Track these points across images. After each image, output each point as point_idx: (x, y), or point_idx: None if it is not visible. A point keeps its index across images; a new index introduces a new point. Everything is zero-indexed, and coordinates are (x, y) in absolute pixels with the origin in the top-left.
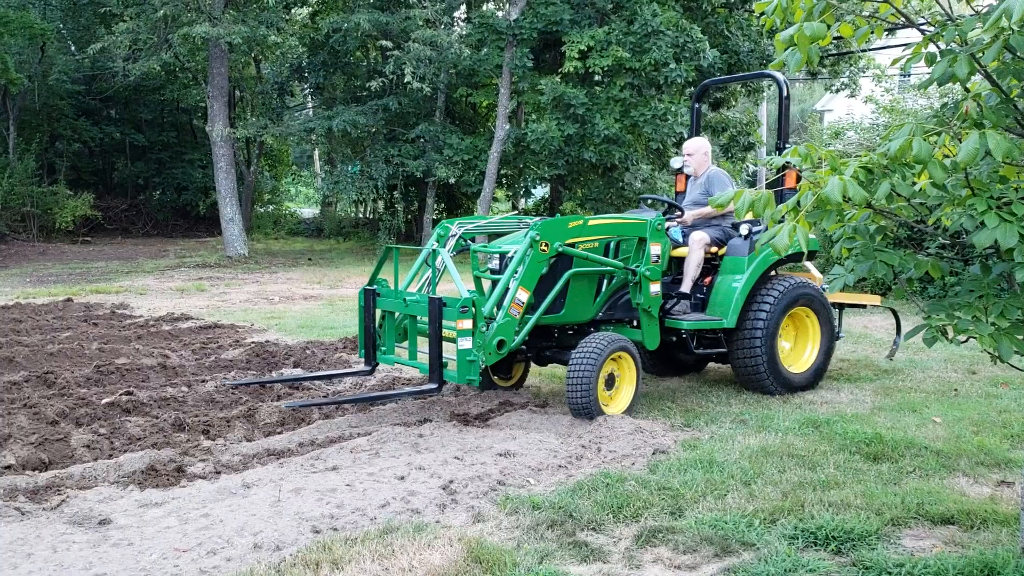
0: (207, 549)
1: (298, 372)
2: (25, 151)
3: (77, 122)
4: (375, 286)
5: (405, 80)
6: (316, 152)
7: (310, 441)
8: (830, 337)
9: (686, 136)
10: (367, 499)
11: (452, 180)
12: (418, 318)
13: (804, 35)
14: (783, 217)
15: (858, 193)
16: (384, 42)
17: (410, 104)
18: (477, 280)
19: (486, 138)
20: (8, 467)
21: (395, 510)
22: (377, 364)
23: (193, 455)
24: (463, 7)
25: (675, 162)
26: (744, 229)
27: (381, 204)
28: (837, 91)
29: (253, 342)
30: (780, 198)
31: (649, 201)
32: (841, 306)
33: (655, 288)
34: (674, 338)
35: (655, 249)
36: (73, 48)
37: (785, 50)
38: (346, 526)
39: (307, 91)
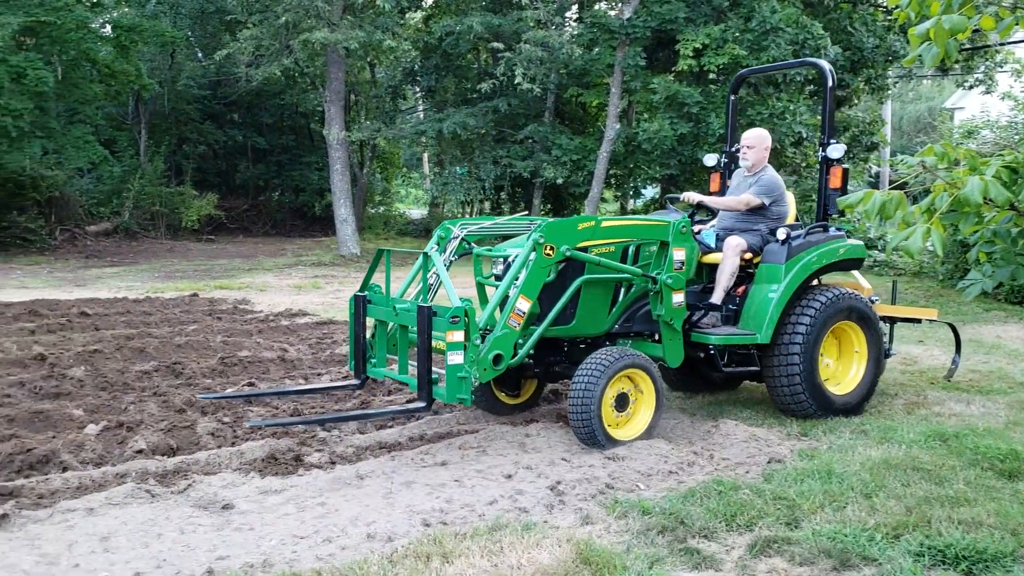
0: (323, 537)
1: (283, 385)
2: (155, 153)
3: (203, 126)
4: (366, 292)
5: (515, 81)
6: (426, 154)
7: (419, 436)
8: (878, 355)
9: (804, 135)
10: (475, 495)
11: (560, 181)
12: (409, 328)
13: (942, 29)
14: (872, 218)
15: (1000, 194)
16: (495, 44)
17: (520, 105)
18: (480, 287)
19: (595, 138)
20: (140, 451)
21: (503, 508)
22: (367, 378)
23: (310, 445)
24: (575, 7)
25: (709, 159)
26: (782, 234)
27: (488, 205)
28: (971, 87)
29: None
30: (825, 198)
31: (678, 201)
32: (892, 320)
33: (678, 298)
34: (701, 354)
35: (679, 255)
36: (200, 55)
37: (920, 45)
38: (455, 521)
39: (419, 94)
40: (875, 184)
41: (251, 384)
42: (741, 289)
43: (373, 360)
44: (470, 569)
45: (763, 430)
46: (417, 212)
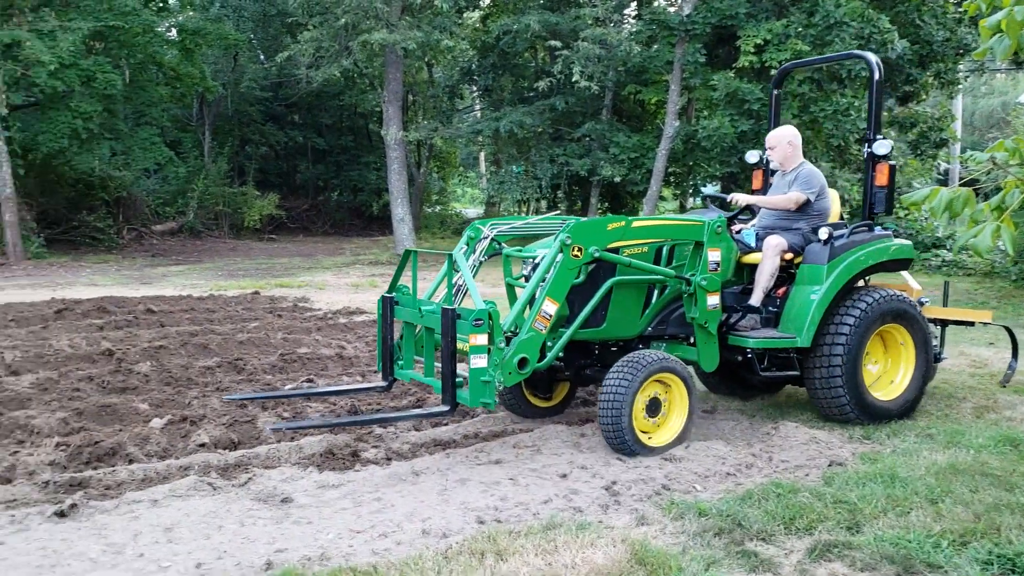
0: (379, 532)
1: (307, 387)
2: (218, 154)
3: (264, 127)
4: (394, 294)
5: (573, 79)
6: (482, 153)
7: (474, 434)
8: (926, 360)
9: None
10: (530, 494)
11: (617, 179)
12: (435, 331)
13: (1015, 20)
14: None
15: None
16: (553, 42)
17: (577, 103)
18: (510, 288)
19: (654, 136)
20: (202, 445)
21: (557, 507)
22: (394, 380)
23: (366, 441)
24: (633, 4)
25: (751, 156)
26: (824, 233)
27: (544, 204)
28: None
29: None
30: (871, 195)
31: (717, 200)
32: (944, 323)
33: (713, 300)
34: (739, 357)
35: (713, 255)
36: (262, 57)
37: (991, 37)
38: (509, 519)
39: (476, 93)
40: (944, 182)
41: (310, 381)
42: (782, 290)
43: (400, 362)
44: (524, 567)
45: (824, 432)
46: (473, 211)
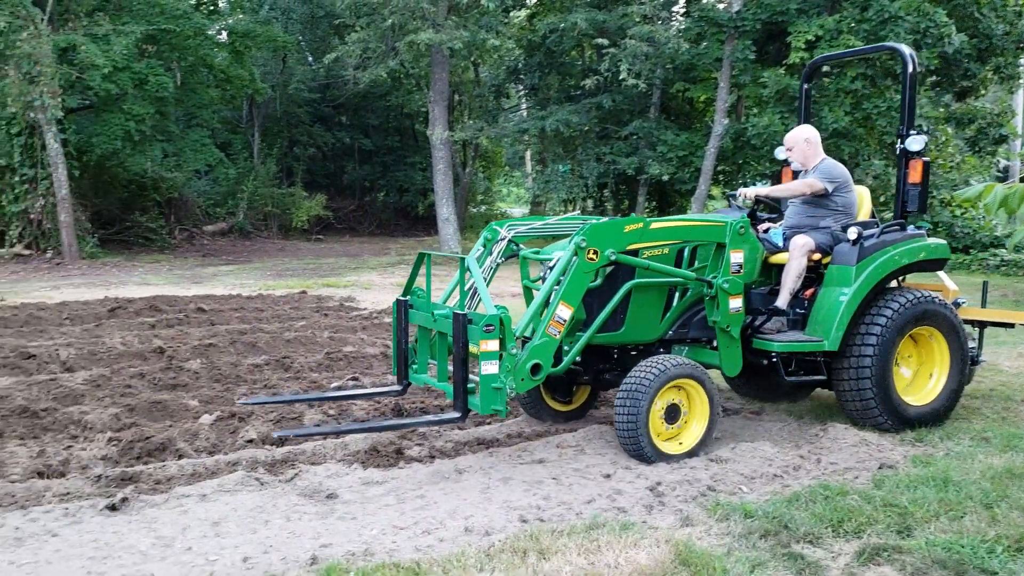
0: (422, 528)
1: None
2: (267, 156)
3: (312, 128)
4: (409, 297)
5: (620, 77)
6: (528, 152)
7: (517, 433)
8: (961, 363)
9: (925, 128)
10: (573, 494)
11: (665, 177)
12: (448, 335)
13: None
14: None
15: None
16: (600, 40)
17: (624, 101)
18: (527, 291)
19: (703, 134)
20: (250, 441)
21: (601, 507)
22: (409, 384)
23: (410, 439)
24: (682, 1)
25: (780, 152)
26: (853, 233)
27: (591, 203)
28: None
29: None
30: (904, 193)
31: (735, 198)
32: (983, 324)
33: (735, 304)
34: (764, 361)
35: (736, 257)
36: (310, 59)
37: None
38: (552, 518)
39: (522, 92)
40: (1003, 179)
41: (355, 380)
42: (809, 292)
43: (415, 366)
44: (566, 566)
45: (874, 435)
46: (519, 211)
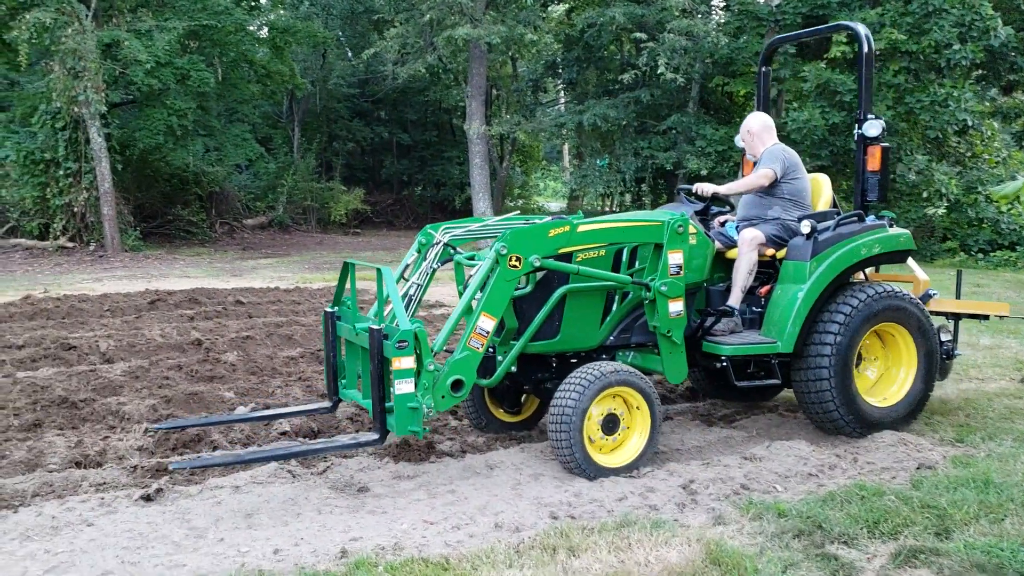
0: (452, 524)
1: (243, 411)
2: (307, 150)
3: (351, 123)
4: (335, 308)
5: (658, 72)
6: (566, 147)
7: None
8: (929, 361)
9: (970, 123)
10: (604, 491)
11: (704, 172)
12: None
13: None
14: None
15: None
16: (639, 34)
17: (662, 96)
18: None
19: None
20: (283, 433)
21: (632, 504)
22: (339, 400)
23: (442, 434)
24: None
25: (739, 140)
26: (806, 227)
27: (628, 197)
28: None
29: None
30: (863, 182)
31: (688, 192)
32: (957, 317)
33: (675, 307)
34: (717, 365)
35: (674, 258)
36: (349, 54)
37: None
38: (583, 515)
39: (560, 87)
40: None
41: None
42: (765, 289)
43: (343, 381)
44: (596, 564)
45: (913, 435)
46: (556, 205)
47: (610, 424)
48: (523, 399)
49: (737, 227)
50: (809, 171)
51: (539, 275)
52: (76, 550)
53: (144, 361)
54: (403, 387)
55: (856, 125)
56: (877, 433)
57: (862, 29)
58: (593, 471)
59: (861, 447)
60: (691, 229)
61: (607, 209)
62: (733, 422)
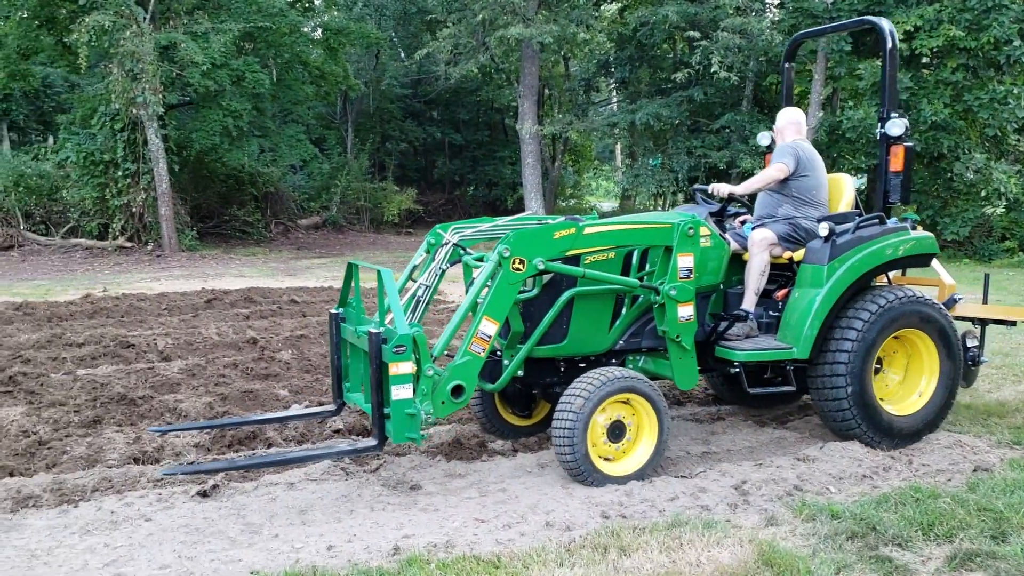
0: (503, 522)
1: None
2: (360, 151)
3: (404, 124)
4: (340, 309)
5: (712, 70)
6: (618, 146)
7: None
8: (953, 369)
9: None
10: (656, 490)
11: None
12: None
13: None
14: None
15: None
16: (692, 32)
17: (716, 94)
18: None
19: None
20: (337, 431)
21: (684, 504)
22: (344, 404)
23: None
24: None
25: (763, 138)
26: (824, 229)
27: (681, 197)
28: None
29: None
30: (886, 183)
31: (704, 192)
32: (984, 322)
33: (685, 312)
34: (732, 370)
35: (684, 260)
36: (402, 54)
37: None
38: (634, 515)
39: (612, 86)
40: None
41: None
42: (781, 293)
43: (347, 384)
44: (647, 563)
45: (969, 436)
46: (608, 204)
47: (616, 431)
48: (534, 403)
49: (753, 227)
50: (864, 171)
51: (546, 278)
52: (135, 544)
53: (200, 359)
54: (401, 392)
55: (879, 124)
56: (932, 434)
57: (886, 25)
58: (598, 480)
59: (916, 449)
60: (704, 231)
61: (659, 209)
62: (785, 423)
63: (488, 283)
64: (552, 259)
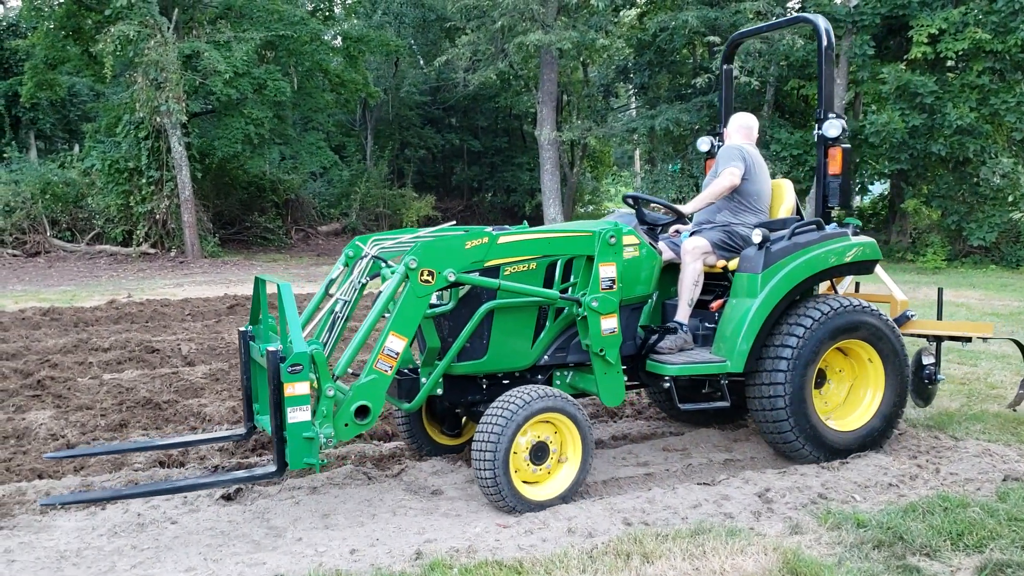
0: (525, 528)
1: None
2: (379, 158)
3: (423, 130)
4: (250, 327)
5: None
6: (637, 152)
7: (623, 435)
8: (899, 380)
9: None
10: (679, 498)
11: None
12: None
13: None
14: None
15: None
16: (712, 38)
17: (736, 99)
18: None
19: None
20: (359, 436)
21: (707, 512)
22: (254, 427)
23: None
24: None
25: (703, 143)
26: (757, 235)
27: None
28: None
29: None
30: (824, 186)
31: (636, 200)
32: (939, 339)
33: (608, 324)
34: (663, 385)
35: (607, 271)
36: (421, 62)
37: None
38: (656, 522)
39: (631, 91)
40: None
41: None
42: (716, 304)
43: (257, 407)
44: (670, 571)
45: (999, 445)
46: (627, 210)
47: (539, 453)
48: (463, 421)
49: (689, 235)
50: (888, 175)
51: (464, 291)
52: (161, 547)
53: (224, 364)
54: (297, 415)
55: (816, 125)
56: (960, 443)
57: (822, 22)
58: (522, 506)
59: (944, 458)
60: (630, 239)
61: None
62: None
63: (395, 297)
64: (466, 271)
